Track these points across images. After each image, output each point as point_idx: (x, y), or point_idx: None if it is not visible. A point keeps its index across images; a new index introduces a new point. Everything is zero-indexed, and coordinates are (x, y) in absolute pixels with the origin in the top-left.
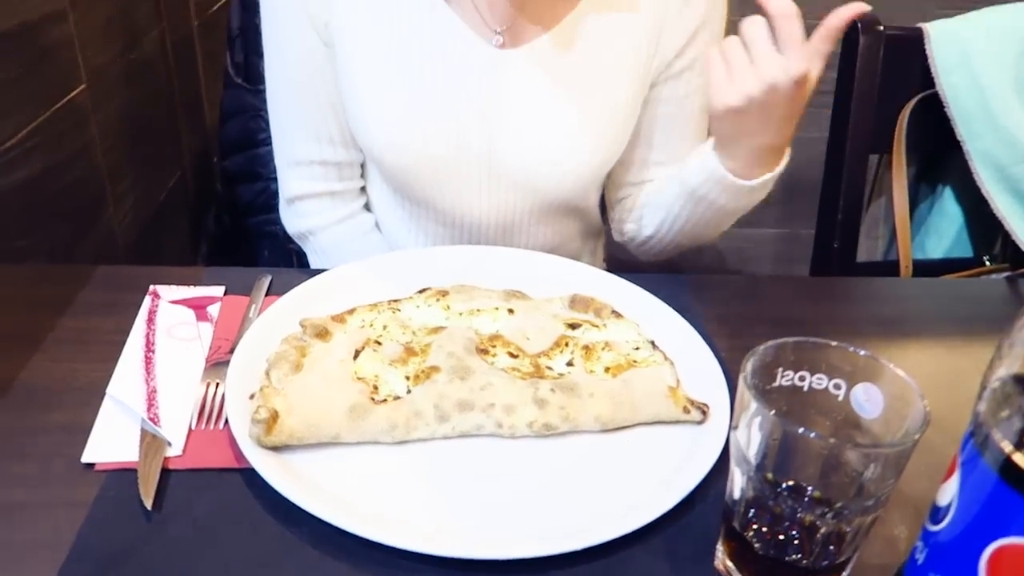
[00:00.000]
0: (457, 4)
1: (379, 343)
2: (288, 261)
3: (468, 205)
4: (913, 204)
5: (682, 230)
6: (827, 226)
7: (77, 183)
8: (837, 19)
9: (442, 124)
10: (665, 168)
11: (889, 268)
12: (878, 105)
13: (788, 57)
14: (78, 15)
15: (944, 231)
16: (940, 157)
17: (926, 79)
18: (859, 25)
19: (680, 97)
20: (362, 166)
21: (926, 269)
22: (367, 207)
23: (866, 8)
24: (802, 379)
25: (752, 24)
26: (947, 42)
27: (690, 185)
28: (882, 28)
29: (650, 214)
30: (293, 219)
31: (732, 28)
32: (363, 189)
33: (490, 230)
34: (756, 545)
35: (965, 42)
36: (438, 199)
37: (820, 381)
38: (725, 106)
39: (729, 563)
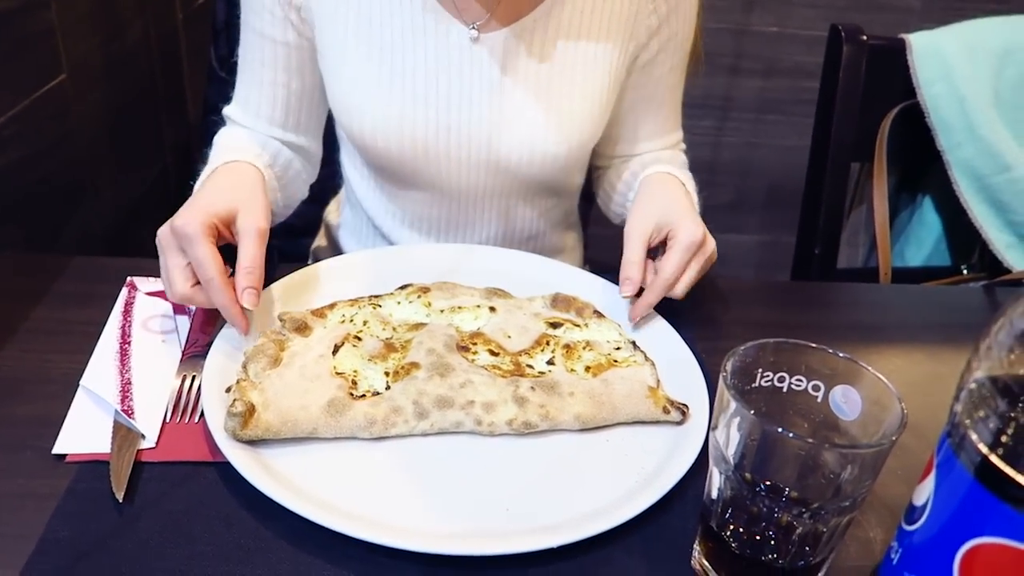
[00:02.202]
0: None
1: (359, 338)
2: (268, 255)
3: (449, 187)
4: (893, 212)
5: None
6: (808, 233)
7: (56, 173)
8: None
9: (428, 110)
10: (647, 143)
11: (869, 275)
12: (860, 114)
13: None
14: (60, 3)
15: (923, 239)
16: (921, 166)
17: (908, 89)
18: (842, 35)
19: (656, 78)
20: (301, 148)
21: (905, 276)
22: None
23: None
24: (781, 380)
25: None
26: (929, 54)
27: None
28: (865, 38)
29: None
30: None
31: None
32: (307, 155)
33: (470, 210)
34: (733, 545)
35: (946, 54)
36: (419, 180)
37: (799, 383)
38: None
39: (706, 563)
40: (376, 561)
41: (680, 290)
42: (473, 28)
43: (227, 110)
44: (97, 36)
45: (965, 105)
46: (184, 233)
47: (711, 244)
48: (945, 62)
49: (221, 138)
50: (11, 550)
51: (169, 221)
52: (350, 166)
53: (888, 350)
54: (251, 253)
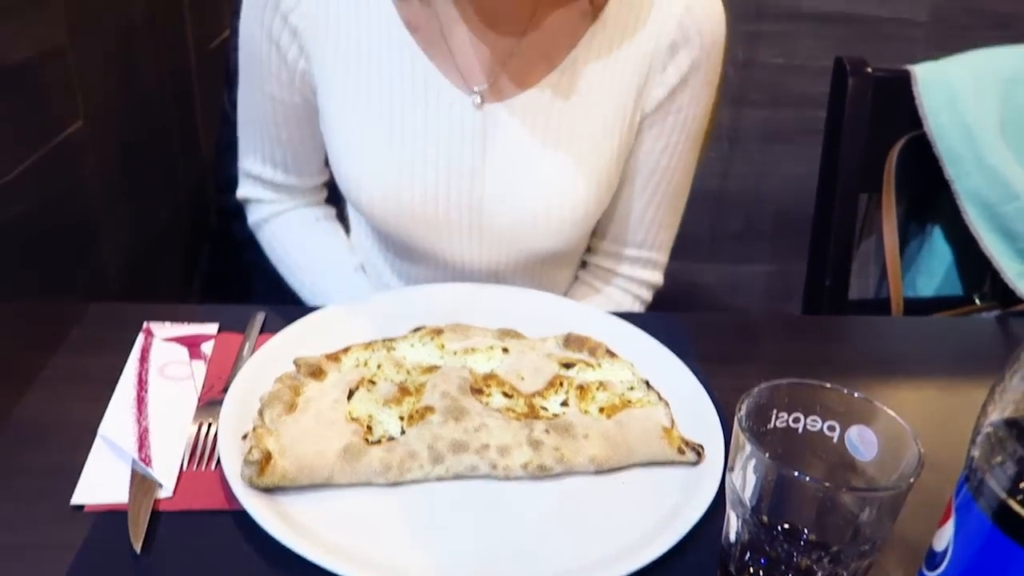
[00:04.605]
0: (440, 59)
1: (373, 382)
2: (283, 297)
3: (454, 255)
4: (903, 242)
5: None
6: (819, 264)
7: (71, 218)
8: None
9: (428, 180)
10: (615, 244)
11: (881, 306)
12: (867, 145)
13: None
14: (77, 51)
15: (934, 269)
16: (929, 196)
17: (914, 119)
18: (847, 67)
19: (646, 152)
20: (319, 188)
21: (917, 307)
22: (321, 204)
23: None
24: (796, 421)
25: None
26: (934, 84)
27: None
28: (870, 70)
29: None
30: (248, 213)
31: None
32: (318, 191)
33: (476, 277)
34: None
35: (951, 84)
36: (425, 249)
37: (815, 423)
38: None
39: None
40: None
41: None
42: (476, 94)
43: (247, 166)
44: (113, 81)
45: (972, 134)
46: None
47: None
48: (951, 91)
49: (286, 234)
50: None
51: None
52: (356, 229)
53: (903, 385)
54: None
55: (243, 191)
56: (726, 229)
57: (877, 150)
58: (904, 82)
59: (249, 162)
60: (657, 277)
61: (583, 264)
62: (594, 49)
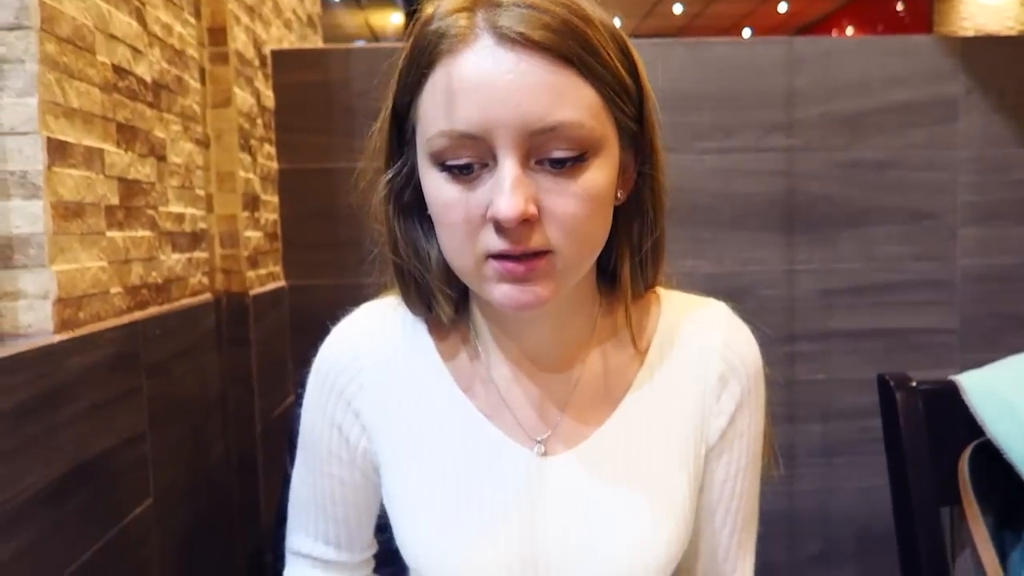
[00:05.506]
0: (498, 418)
1: None
2: None
3: None
4: (1002, 553)
5: None
6: None
7: None
8: None
9: (490, 541)
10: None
11: None
12: (932, 457)
13: None
14: (155, 435)
15: None
16: (1016, 501)
17: (973, 427)
18: (891, 384)
19: (721, 481)
20: (366, 562)
21: None
22: None
23: None
24: None
25: None
26: (984, 392)
27: None
28: (915, 384)
29: None
30: None
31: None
32: (364, 567)
33: None
34: None
35: (1002, 391)
36: None
37: None
38: None
39: None
40: None
41: None
42: (539, 443)
43: (296, 544)
44: (183, 460)
45: None
46: None
47: None
48: (1004, 399)
49: None
50: None
51: None
52: None
53: None
54: None
55: (291, 572)
56: (803, 552)
57: (945, 461)
58: (954, 393)
59: (299, 541)
60: None
61: None
62: (648, 388)
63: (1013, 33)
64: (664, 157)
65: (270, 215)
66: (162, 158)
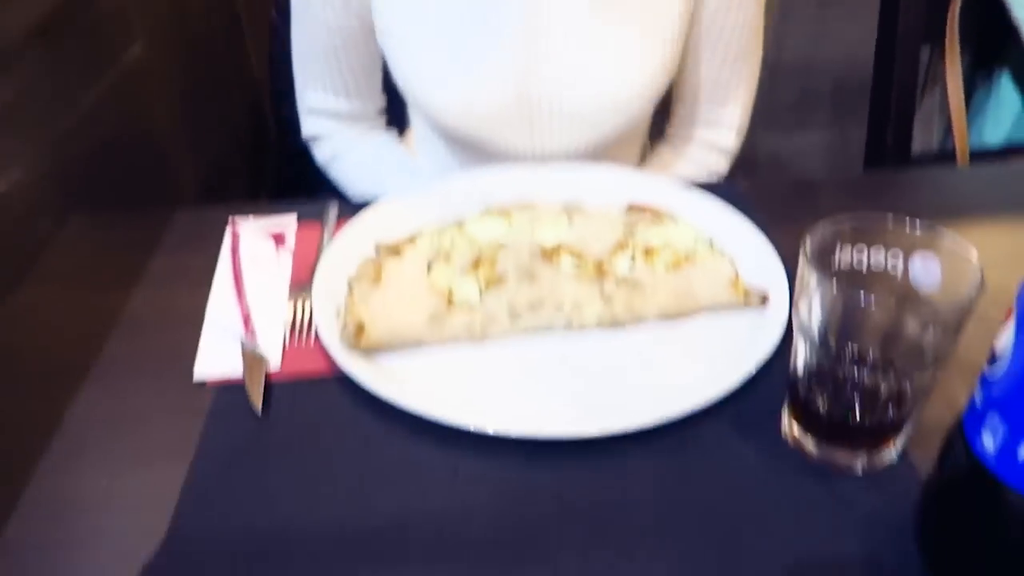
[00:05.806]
0: None
1: (449, 256)
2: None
3: (523, 148)
4: (968, 92)
5: None
6: (880, 120)
7: (143, 139)
8: None
9: (490, 73)
10: (717, 107)
11: (945, 159)
12: None
13: None
14: None
15: (1001, 118)
16: (995, 43)
17: None
18: None
19: (712, 11)
20: (380, 111)
21: (984, 157)
22: (384, 129)
23: None
24: (860, 251)
25: None
26: None
27: None
28: None
29: None
30: (315, 151)
31: None
32: (380, 115)
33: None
34: (820, 411)
35: None
36: (490, 144)
37: (879, 255)
38: None
39: (796, 427)
40: (486, 449)
41: None
42: None
43: (310, 101)
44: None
45: None
46: None
47: None
48: None
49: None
50: (171, 458)
51: None
52: (417, 132)
53: (970, 228)
54: None
55: (308, 129)
56: (781, 100)
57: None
58: None
59: (311, 97)
60: (735, 141)
61: (661, 135)
62: None
63: None
64: None
65: None
66: None
